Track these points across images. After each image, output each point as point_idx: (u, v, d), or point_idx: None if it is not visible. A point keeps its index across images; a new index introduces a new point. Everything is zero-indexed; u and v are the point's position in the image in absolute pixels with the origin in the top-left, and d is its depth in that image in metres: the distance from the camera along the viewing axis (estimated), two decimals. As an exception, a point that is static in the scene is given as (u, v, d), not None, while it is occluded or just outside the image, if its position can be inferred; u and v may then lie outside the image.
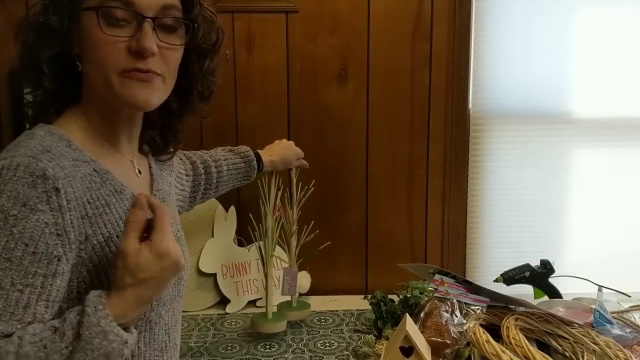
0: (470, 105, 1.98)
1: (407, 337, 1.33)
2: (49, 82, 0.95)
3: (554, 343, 1.45)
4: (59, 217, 0.85)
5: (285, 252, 1.78)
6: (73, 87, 0.97)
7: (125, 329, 0.85)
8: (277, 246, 1.76)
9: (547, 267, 1.77)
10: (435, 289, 1.62)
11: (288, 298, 1.78)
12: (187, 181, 1.41)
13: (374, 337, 1.64)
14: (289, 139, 1.95)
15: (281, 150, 1.68)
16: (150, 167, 1.12)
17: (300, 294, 1.90)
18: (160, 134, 1.12)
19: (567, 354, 1.42)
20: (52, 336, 0.81)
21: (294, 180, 1.73)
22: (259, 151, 1.63)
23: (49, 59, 0.93)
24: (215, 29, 1.06)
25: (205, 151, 1.55)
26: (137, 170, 1.05)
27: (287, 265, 1.75)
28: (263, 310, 1.73)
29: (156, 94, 0.95)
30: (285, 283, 1.71)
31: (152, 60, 0.92)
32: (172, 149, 1.16)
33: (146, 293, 0.87)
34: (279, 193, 1.70)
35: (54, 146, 0.89)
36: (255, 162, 1.59)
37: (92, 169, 0.93)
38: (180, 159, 1.42)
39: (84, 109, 0.97)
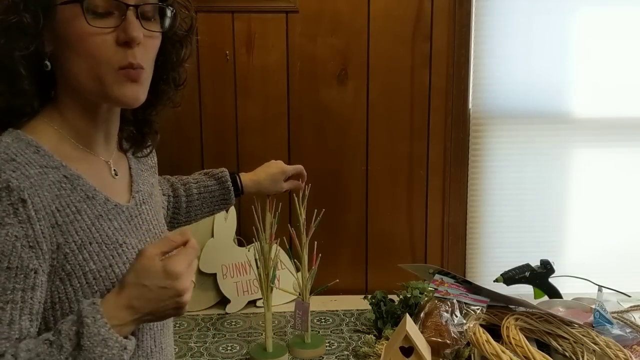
0: (470, 105, 1.98)
1: (407, 337, 1.33)
2: (28, 84, 0.89)
3: (554, 343, 1.45)
4: (29, 228, 0.82)
5: (296, 279, 1.67)
6: (44, 87, 0.93)
7: (125, 337, 0.85)
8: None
9: (547, 267, 1.77)
10: (435, 289, 1.62)
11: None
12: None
13: (374, 337, 1.64)
14: (288, 139, 1.95)
15: (267, 169, 1.53)
16: (130, 168, 1.07)
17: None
18: (136, 128, 1.08)
19: (567, 354, 1.42)
20: (48, 349, 0.81)
21: (299, 206, 1.59)
22: (242, 173, 1.50)
23: (23, 59, 0.88)
24: (189, 15, 1.05)
25: (179, 176, 1.46)
26: (113, 172, 1.01)
27: (299, 299, 1.64)
28: (263, 313, 1.69)
29: (143, 89, 0.93)
30: (297, 317, 1.62)
31: (137, 51, 0.89)
32: (150, 142, 1.12)
33: (137, 301, 0.85)
34: (276, 220, 1.57)
35: (20, 154, 0.85)
36: (229, 183, 1.45)
37: (62, 175, 0.89)
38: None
39: (58, 110, 0.93)
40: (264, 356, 1.60)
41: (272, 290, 1.61)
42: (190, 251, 0.89)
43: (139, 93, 0.92)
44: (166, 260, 0.87)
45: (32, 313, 0.84)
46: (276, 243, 1.61)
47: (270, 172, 1.53)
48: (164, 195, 1.34)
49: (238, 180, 1.47)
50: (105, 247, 0.91)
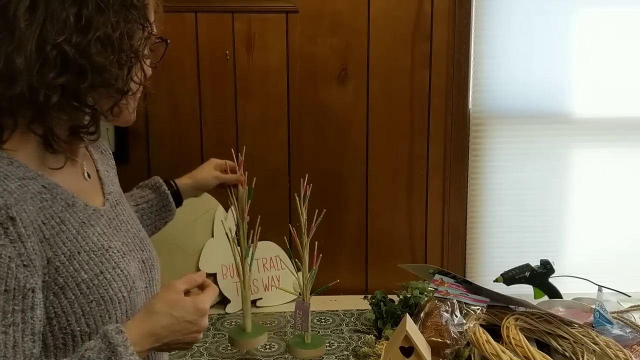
0: (470, 105, 1.98)
1: (407, 337, 1.33)
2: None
3: (554, 343, 1.45)
4: (21, 247, 0.80)
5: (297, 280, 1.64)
6: None
7: None
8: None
9: (547, 267, 1.77)
10: (435, 289, 1.62)
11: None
12: None
13: (374, 337, 1.64)
14: (288, 139, 1.96)
15: (198, 170, 1.53)
16: (97, 170, 1.06)
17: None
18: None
19: (567, 354, 1.42)
20: None
21: (300, 206, 1.55)
22: (180, 178, 1.49)
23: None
24: None
25: None
26: (86, 174, 1.00)
27: (300, 299, 1.62)
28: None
29: None
30: (297, 317, 1.60)
31: None
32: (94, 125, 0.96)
33: (163, 330, 0.92)
34: (249, 196, 1.55)
35: None
36: (164, 187, 1.43)
37: (41, 185, 0.87)
38: None
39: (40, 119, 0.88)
40: (243, 336, 1.57)
41: (250, 267, 1.58)
42: (214, 292, 1.00)
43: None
44: (196, 297, 0.97)
45: (34, 333, 0.82)
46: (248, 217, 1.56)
47: (199, 175, 1.53)
48: None
49: (172, 183, 1.46)
50: (94, 254, 0.90)
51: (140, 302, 0.98)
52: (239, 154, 1.54)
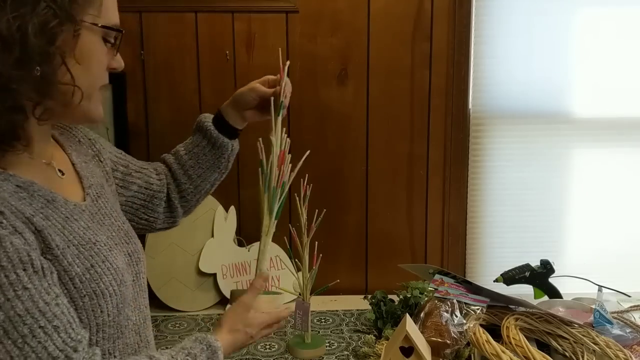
0: (470, 105, 1.98)
1: (407, 337, 1.33)
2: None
3: (554, 343, 1.45)
4: (20, 237, 0.80)
5: (297, 280, 1.64)
6: None
7: None
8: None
9: (547, 267, 1.77)
10: (435, 289, 1.62)
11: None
12: (155, 177, 1.26)
13: (374, 337, 1.64)
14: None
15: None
16: (73, 164, 1.01)
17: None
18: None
19: (567, 354, 1.42)
20: None
21: (300, 206, 1.53)
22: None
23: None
24: None
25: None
26: (58, 172, 0.96)
27: (300, 299, 1.63)
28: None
29: None
30: (298, 317, 1.61)
31: None
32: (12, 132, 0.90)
33: (241, 344, 1.11)
34: (285, 142, 1.36)
35: None
36: (207, 123, 1.28)
37: (14, 185, 0.84)
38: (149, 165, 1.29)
39: None
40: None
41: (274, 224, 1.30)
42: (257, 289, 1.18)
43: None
44: (265, 315, 1.15)
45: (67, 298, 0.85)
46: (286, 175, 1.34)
47: (239, 92, 1.36)
48: (158, 175, 1.26)
49: (219, 115, 1.30)
50: (83, 248, 0.89)
51: (129, 295, 0.96)
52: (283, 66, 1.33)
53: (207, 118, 1.30)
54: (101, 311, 0.89)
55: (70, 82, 0.85)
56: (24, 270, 0.78)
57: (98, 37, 0.89)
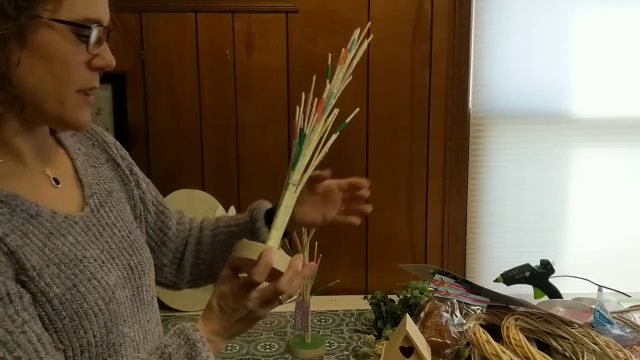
0: (470, 105, 1.98)
1: (407, 337, 1.33)
2: None
3: (554, 343, 1.45)
4: None
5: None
6: None
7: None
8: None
9: (547, 267, 1.77)
10: (435, 289, 1.62)
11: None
12: (173, 223, 1.16)
13: (374, 337, 1.64)
14: (288, 139, 1.95)
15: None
16: (76, 171, 0.95)
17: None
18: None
19: (567, 354, 1.42)
20: None
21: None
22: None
23: None
24: None
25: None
26: (53, 181, 0.90)
27: (300, 299, 1.62)
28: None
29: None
30: (298, 317, 1.61)
31: None
32: None
33: (221, 326, 0.90)
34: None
35: None
36: (262, 215, 1.18)
37: None
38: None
39: None
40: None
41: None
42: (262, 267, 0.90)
43: (89, 117, 0.87)
44: (240, 281, 0.89)
45: (39, 323, 0.80)
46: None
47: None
48: (179, 224, 1.18)
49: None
50: (65, 266, 0.83)
51: (123, 312, 0.90)
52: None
53: (262, 211, 1.19)
54: (84, 332, 0.83)
55: (8, 89, 0.78)
56: None
57: (59, 34, 0.79)
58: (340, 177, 2.01)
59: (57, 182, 0.91)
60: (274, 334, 1.73)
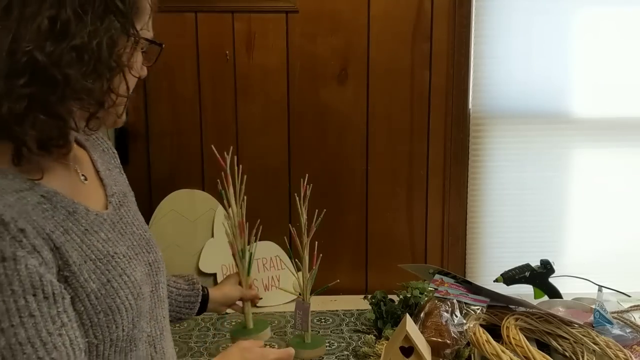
0: (470, 105, 1.98)
1: (407, 337, 1.33)
2: None
3: (554, 343, 1.45)
4: (38, 256, 0.78)
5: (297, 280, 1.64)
6: None
7: None
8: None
9: (547, 267, 1.77)
10: (435, 289, 1.62)
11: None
12: None
13: (374, 337, 1.64)
14: (288, 139, 1.96)
15: (225, 284, 1.53)
16: (97, 171, 1.01)
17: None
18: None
19: (567, 354, 1.42)
20: None
21: (300, 206, 1.57)
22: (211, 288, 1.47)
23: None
24: None
25: None
26: (82, 177, 0.95)
27: (300, 299, 1.62)
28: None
29: None
30: (298, 317, 1.61)
31: None
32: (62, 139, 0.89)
33: None
34: (242, 210, 1.53)
35: None
36: (199, 286, 1.41)
37: (39, 195, 0.83)
38: None
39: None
40: (245, 334, 1.57)
41: (249, 273, 1.55)
42: (286, 354, 1.16)
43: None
44: (265, 349, 1.12)
45: (77, 327, 0.83)
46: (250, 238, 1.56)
47: (227, 281, 1.55)
48: None
49: (204, 288, 1.44)
50: (100, 262, 0.87)
51: (146, 308, 0.95)
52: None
53: (199, 281, 1.42)
54: (116, 327, 0.87)
55: (125, 94, 0.88)
56: (34, 295, 0.77)
57: (139, 50, 0.92)
58: (340, 177, 2.01)
59: (86, 178, 0.96)
60: (274, 334, 1.73)
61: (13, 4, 0.78)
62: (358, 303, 1.88)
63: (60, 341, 0.78)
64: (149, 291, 0.97)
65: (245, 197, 1.53)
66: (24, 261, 0.76)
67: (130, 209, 1.03)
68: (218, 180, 1.51)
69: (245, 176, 1.52)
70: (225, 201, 1.52)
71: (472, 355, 1.47)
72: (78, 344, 0.81)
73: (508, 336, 1.42)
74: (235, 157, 1.51)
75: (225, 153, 1.50)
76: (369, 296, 1.79)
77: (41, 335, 0.77)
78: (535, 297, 1.78)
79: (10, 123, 0.79)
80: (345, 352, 1.63)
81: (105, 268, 0.87)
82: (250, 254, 1.54)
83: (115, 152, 1.13)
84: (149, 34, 0.93)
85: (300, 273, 1.61)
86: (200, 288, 1.41)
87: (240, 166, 1.51)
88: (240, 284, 1.54)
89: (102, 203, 0.97)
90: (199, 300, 1.40)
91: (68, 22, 0.79)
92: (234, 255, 1.55)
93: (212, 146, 1.50)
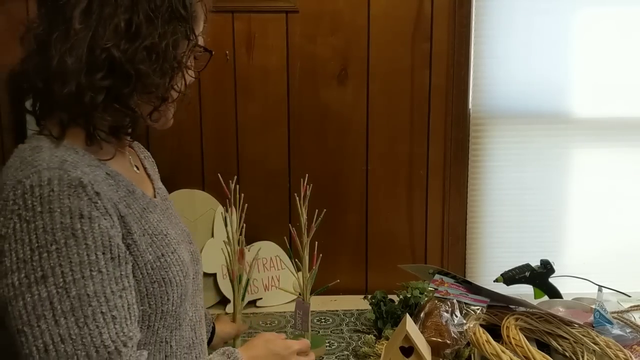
0: (470, 105, 1.98)
1: (407, 337, 1.33)
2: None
3: (554, 343, 1.45)
4: (109, 219, 0.86)
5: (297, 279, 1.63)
6: None
7: None
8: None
9: (547, 267, 1.77)
10: (435, 289, 1.62)
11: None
12: None
13: (374, 337, 1.64)
14: (288, 139, 1.96)
15: (225, 324, 1.55)
16: (145, 168, 1.13)
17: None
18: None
19: (567, 354, 1.42)
20: None
21: (301, 206, 1.57)
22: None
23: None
24: None
25: None
26: (135, 167, 1.07)
27: (300, 299, 1.61)
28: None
29: None
30: (298, 317, 1.60)
31: None
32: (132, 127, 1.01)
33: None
34: (242, 230, 1.55)
35: (66, 155, 0.88)
36: (210, 317, 1.47)
37: (105, 172, 0.93)
38: None
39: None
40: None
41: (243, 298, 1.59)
42: (305, 344, 1.28)
43: None
44: (288, 340, 1.24)
45: (135, 294, 0.90)
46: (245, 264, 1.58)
47: (224, 320, 1.57)
48: None
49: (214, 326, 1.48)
50: (155, 238, 0.95)
51: (189, 290, 1.02)
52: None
53: (210, 321, 1.47)
54: (167, 299, 0.94)
55: (183, 90, 0.99)
56: (104, 254, 0.84)
57: (193, 54, 1.01)
58: (340, 177, 2.01)
59: (137, 168, 1.08)
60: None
61: (93, 6, 0.89)
62: (358, 303, 1.88)
63: (120, 303, 0.85)
64: (192, 275, 1.04)
65: (244, 225, 1.56)
66: (98, 221, 0.84)
67: (171, 204, 1.13)
68: (221, 205, 1.51)
69: (246, 205, 1.55)
70: (228, 227, 1.55)
71: (472, 355, 1.47)
72: (134, 310, 0.88)
73: (508, 336, 1.41)
74: (238, 186, 1.55)
75: (230, 181, 1.55)
76: (369, 296, 1.79)
77: (105, 291, 0.84)
78: (535, 297, 1.78)
79: (91, 110, 0.90)
80: (345, 352, 1.63)
81: (160, 243, 0.96)
82: (248, 280, 1.58)
83: (154, 161, 1.22)
84: (202, 41, 1.03)
85: (300, 273, 1.61)
86: (211, 319, 1.47)
87: (242, 195, 1.55)
88: (233, 316, 1.57)
89: (151, 192, 1.08)
90: (210, 330, 1.45)
91: (140, 24, 0.90)
92: (232, 281, 1.57)
93: (219, 174, 1.55)
